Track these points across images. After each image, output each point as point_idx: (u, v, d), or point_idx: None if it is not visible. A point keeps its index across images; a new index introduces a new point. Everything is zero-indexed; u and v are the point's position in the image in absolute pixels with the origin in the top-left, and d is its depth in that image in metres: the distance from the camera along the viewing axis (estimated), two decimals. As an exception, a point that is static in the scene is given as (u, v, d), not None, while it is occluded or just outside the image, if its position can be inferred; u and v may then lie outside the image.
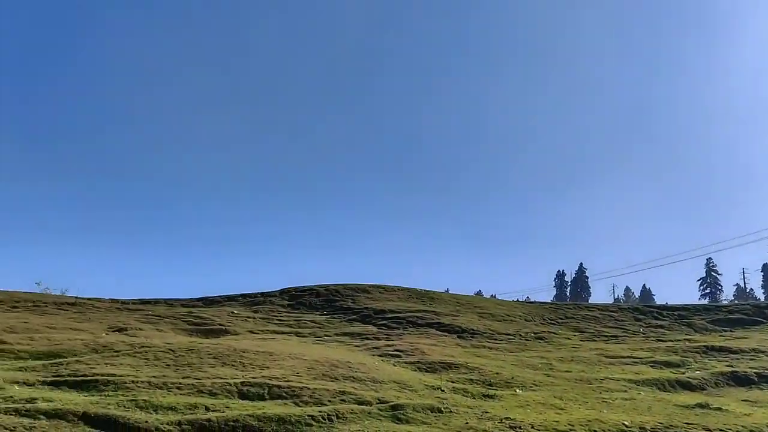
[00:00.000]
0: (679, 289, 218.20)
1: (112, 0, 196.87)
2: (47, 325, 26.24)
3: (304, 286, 41.66)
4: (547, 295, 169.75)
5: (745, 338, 33.08)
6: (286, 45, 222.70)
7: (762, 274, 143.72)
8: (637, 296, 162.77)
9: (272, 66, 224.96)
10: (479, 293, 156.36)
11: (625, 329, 37.81)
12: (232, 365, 18.24)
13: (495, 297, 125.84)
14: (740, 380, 22.43)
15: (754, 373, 23.14)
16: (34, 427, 13.08)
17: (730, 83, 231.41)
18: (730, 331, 38.30)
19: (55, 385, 16.51)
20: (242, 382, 16.24)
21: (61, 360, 19.12)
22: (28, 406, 14.08)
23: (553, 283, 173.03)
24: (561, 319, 39.53)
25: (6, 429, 12.92)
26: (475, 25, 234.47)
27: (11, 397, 15.14)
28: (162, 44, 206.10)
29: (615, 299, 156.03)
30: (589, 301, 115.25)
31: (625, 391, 20.10)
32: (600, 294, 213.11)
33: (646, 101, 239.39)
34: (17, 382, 16.72)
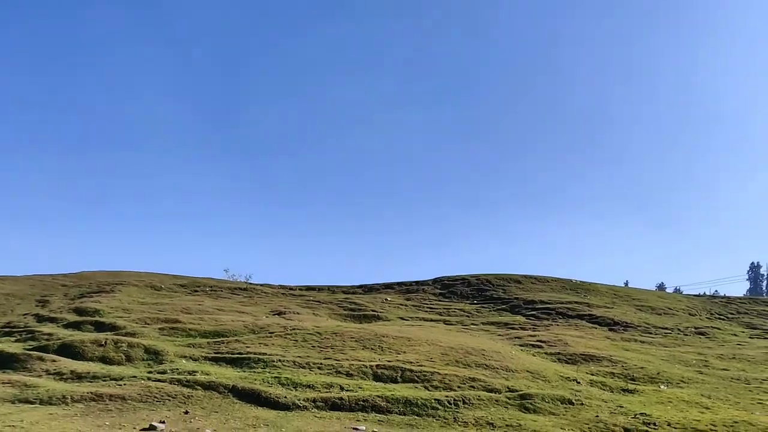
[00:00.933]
0: None
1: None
2: (218, 308, 29.03)
3: (455, 276, 42.16)
4: (740, 288, 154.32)
5: None
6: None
7: None
8: None
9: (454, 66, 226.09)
10: (661, 286, 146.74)
11: (809, 327, 34.33)
12: (371, 349, 19.21)
13: (679, 290, 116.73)
14: None
15: None
16: (192, 395, 14.85)
17: None
18: None
19: (215, 360, 18.46)
20: (377, 365, 17.14)
21: (223, 339, 21.20)
22: (189, 377, 15.97)
23: (746, 275, 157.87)
24: (732, 314, 36.63)
25: (169, 396, 14.80)
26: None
27: (177, 369, 17.21)
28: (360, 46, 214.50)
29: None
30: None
31: (790, 393, 18.51)
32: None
33: None
34: (185, 357, 18.91)
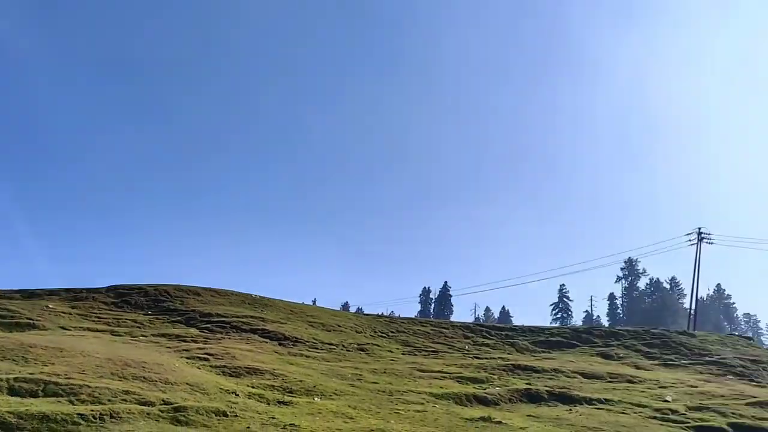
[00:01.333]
0: (536, 311, 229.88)
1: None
2: None
3: (132, 285, 39.91)
4: (414, 309, 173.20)
5: (553, 359, 35.51)
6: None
7: (608, 302, 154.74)
8: (496, 316, 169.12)
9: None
10: (346, 305, 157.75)
11: (451, 345, 39.34)
12: (13, 360, 17.21)
13: (361, 309, 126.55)
14: (532, 397, 23.99)
15: (546, 391, 24.83)
16: None
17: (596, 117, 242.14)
18: (548, 352, 40.81)
19: None
20: (15, 378, 15.35)
21: None
22: None
23: (419, 298, 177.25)
24: (392, 332, 40.50)
25: None
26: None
27: None
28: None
29: (475, 318, 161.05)
30: (451, 319, 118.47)
31: (422, 403, 20.92)
32: (464, 312, 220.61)
33: (522, 124, 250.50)
34: None
